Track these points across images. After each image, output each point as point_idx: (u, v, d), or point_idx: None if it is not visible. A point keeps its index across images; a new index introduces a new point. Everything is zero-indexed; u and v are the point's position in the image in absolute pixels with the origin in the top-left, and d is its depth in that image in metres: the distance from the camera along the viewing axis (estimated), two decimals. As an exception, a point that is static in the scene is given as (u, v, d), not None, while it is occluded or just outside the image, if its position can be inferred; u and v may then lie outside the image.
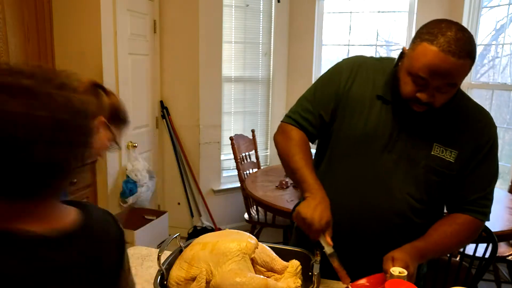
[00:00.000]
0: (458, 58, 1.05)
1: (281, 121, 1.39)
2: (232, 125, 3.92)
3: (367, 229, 1.25)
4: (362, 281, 1.13)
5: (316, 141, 1.40)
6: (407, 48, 1.17)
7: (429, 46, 1.06)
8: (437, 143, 1.21)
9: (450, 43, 1.05)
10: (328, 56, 4.06)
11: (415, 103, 1.15)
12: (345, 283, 1.14)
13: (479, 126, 1.24)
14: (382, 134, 1.24)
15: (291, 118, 1.35)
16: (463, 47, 1.05)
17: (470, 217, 1.23)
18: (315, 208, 1.13)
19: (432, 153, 1.21)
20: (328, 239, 1.14)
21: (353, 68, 1.31)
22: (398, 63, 1.20)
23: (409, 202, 1.23)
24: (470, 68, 1.10)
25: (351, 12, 3.89)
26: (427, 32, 1.09)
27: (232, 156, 3.33)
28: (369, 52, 3.96)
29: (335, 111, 1.30)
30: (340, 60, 1.38)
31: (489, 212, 1.25)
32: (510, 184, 3.00)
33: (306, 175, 1.21)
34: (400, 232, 1.24)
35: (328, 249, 1.14)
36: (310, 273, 1.12)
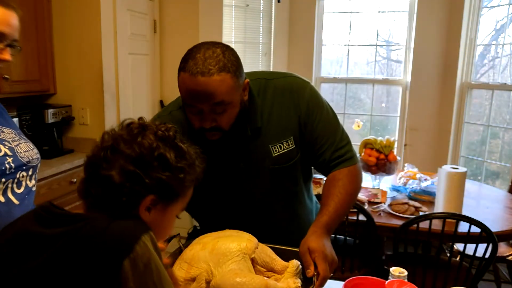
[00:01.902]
0: (209, 76, 1.05)
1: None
2: (232, 125, 3.92)
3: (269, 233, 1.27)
4: (358, 279, 1.13)
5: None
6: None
7: (183, 74, 1.08)
8: (271, 144, 1.25)
9: (197, 65, 1.06)
10: (328, 56, 4.06)
11: (206, 132, 1.16)
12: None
13: (292, 99, 1.27)
14: (226, 177, 1.27)
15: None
16: (212, 64, 1.06)
17: (344, 169, 1.26)
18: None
19: (274, 155, 1.25)
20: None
21: None
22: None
23: (298, 202, 1.35)
24: (232, 80, 1.10)
25: (351, 12, 3.89)
26: (183, 60, 1.10)
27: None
28: (369, 52, 3.97)
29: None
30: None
31: (353, 153, 1.30)
32: (510, 184, 3.00)
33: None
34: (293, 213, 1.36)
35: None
36: (310, 273, 1.11)
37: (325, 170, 1.30)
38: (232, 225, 1.22)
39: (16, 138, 1.19)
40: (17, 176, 1.12)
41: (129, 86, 3.16)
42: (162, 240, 0.93)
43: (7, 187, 1.10)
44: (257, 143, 1.26)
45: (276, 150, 1.26)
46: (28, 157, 1.16)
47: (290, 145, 1.27)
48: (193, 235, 1.31)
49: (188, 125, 1.20)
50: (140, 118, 0.87)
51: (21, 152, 1.15)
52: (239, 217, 1.29)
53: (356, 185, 1.29)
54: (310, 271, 1.08)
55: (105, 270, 0.70)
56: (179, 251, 1.16)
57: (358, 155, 1.44)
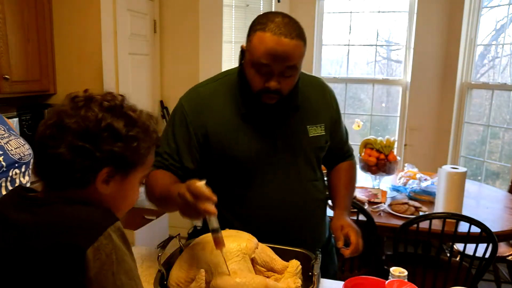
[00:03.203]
0: (290, 38, 1.13)
1: (354, 157, 1.60)
2: (232, 125, 3.92)
3: (293, 227, 1.34)
4: (358, 279, 1.13)
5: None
6: (245, 45, 1.24)
7: (262, 33, 1.14)
8: (309, 125, 1.34)
9: (279, 27, 1.13)
10: (328, 56, 4.06)
11: (265, 94, 1.20)
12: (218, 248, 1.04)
13: (325, 96, 1.42)
14: (266, 147, 1.29)
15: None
16: (292, 29, 1.14)
17: (349, 161, 1.54)
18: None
19: (310, 135, 1.34)
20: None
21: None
22: (241, 62, 1.27)
23: (314, 187, 1.39)
24: (304, 50, 1.18)
25: (351, 12, 3.89)
26: (258, 23, 1.18)
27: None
28: (369, 52, 3.97)
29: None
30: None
31: (352, 148, 1.58)
32: (510, 184, 3.00)
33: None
34: (316, 213, 1.42)
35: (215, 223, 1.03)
36: (310, 273, 1.12)
37: (335, 161, 1.51)
38: (253, 202, 1.31)
39: (5, 135, 1.16)
40: (10, 174, 1.11)
41: (129, 86, 3.16)
42: (126, 210, 0.90)
43: (0, 186, 1.09)
44: (295, 120, 1.33)
45: (312, 132, 1.34)
46: (19, 154, 1.15)
47: (322, 131, 1.37)
48: (193, 235, 1.30)
49: (224, 96, 1.30)
50: (86, 90, 0.83)
51: (12, 149, 1.13)
52: (263, 194, 1.31)
53: (356, 174, 1.56)
54: (341, 243, 1.27)
55: (69, 258, 0.70)
56: (179, 251, 1.16)
57: (358, 155, 1.58)
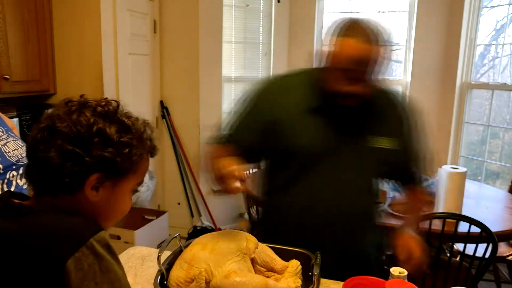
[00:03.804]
0: (376, 45, 1.16)
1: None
2: (232, 125, 3.92)
3: (337, 231, 1.33)
4: (358, 279, 1.13)
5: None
6: (325, 48, 1.24)
7: (347, 40, 1.18)
8: (379, 135, 1.31)
9: (367, 33, 1.17)
10: (328, 56, 4.05)
11: (348, 98, 1.23)
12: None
13: (404, 109, 1.39)
14: (326, 143, 1.30)
15: None
16: (377, 35, 1.17)
17: (421, 187, 1.46)
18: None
19: (377, 145, 1.30)
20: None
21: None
22: (321, 65, 1.27)
23: (366, 199, 1.37)
24: (389, 55, 1.21)
25: (351, 12, 3.89)
26: (337, 29, 1.20)
27: (232, 156, 3.32)
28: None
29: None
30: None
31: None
32: (510, 184, 2.99)
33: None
34: (363, 226, 1.38)
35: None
36: (310, 273, 1.11)
37: (408, 181, 1.44)
38: (299, 195, 1.33)
39: (3, 137, 1.16)
40: (7, 176, 1.10)
41: (129, 86, 3.16)
42: (117, 220, 0.88)
43: None
44: (364, 127, 1.32)
45: (380, 143, 1.31)
46: (17, 156, 1.14)
47: (395, 146, 1.31)
48: (193, 235, 1.31)
49: (300, 88, 1.33)
50: (82, 96, 0.82)
51: (9, 151, 1.13)
52: (310, 189, 1.33)
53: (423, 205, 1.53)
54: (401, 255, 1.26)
55: (48, 269, 0.70)
56: (179, 251, 1.16)
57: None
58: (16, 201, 0.80)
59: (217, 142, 1.35)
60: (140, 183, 0.87)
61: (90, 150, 0.76)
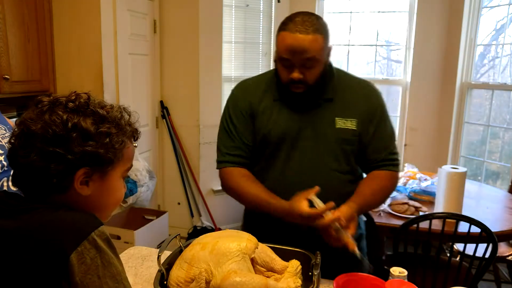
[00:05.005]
0: (305, 34, 1.28)
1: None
2: (232, 125, 3.92)
3: None
4: (348, 275, 1.14)
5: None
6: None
7: (283, 33, 1.32)
8: (338, 117, 1.41)
9: (296, 25, 1.29)
10: (328, 56, 4.05)
11: (293, 85, 1.35)
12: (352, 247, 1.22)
13: (366, 96, 1.46)
14: (292, 128, 1.42)
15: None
16: (308, 26, 1.29)
17: (388, 171, 1.45)
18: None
19: (337, 126, 1.40)
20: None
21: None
22: (275, 60, 1.41)
23: (337, 177, 1.42)
24: (323, 42, 1.32)
25: (351, 12, 3.89)
26: (282, 23, 1.34)
27: (232, 156, 3.32)
28: (369, 52, 3.97)
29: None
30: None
31: (399, 163, 1.50)
32: (510, 184, 2.99)
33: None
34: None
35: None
36: (310, 273, 1.12)
37: (369, 167, 1.47)
38: (273, 178, 1.43)
39: (6, 134, 1.17)
40: (11, 173, 1.11)
41: (129, 86, 3.16)
42: (114, 208, 0.89)
43: (2, 185, 1.09)
44: (325, 111, 1.42)
45: (340, 124, 1.40)
46: None
47: (353, 126, 1.41)
48: (193, 235, 1.31)
49: (265, 85, 1.47)
50: (49, 94, 0.82)
51: None
52: (283, 172, 1.43)
53: (390, 191, 1.49)
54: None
55: (52, 263, 0.70)
56: (179, 251, 1.17)
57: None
58: (11, 201, 0.80)
59: (230, 165, 1.47)
60: (129, 168, 0.87)
61: (70, 147, 0.75)
